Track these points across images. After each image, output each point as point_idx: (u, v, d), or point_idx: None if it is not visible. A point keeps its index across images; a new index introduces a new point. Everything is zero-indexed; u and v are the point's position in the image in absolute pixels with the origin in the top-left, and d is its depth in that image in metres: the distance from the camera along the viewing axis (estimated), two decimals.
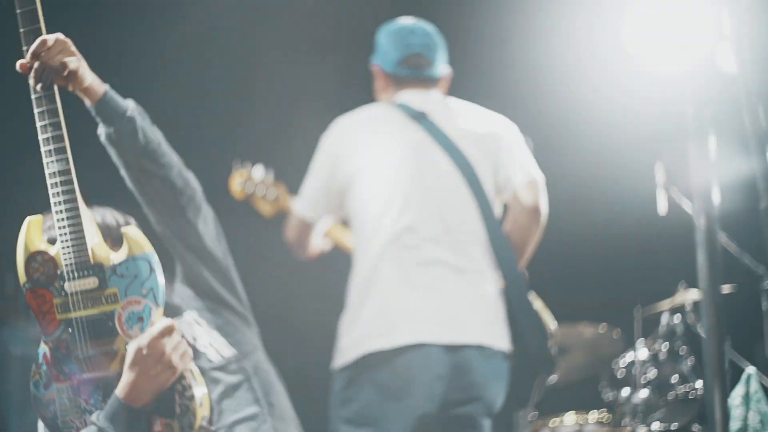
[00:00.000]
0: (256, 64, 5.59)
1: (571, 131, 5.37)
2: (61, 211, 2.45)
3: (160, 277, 2.48)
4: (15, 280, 5.38)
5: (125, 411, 2.41)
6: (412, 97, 3.69)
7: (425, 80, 3.73)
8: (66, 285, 2.48)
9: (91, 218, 2.53)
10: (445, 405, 3.34)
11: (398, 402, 3.30)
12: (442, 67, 3.79)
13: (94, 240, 2.49)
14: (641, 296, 4.69)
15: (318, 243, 3.86)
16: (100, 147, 2.72)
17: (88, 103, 2.58)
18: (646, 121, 5.64)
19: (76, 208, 2.46)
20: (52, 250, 2.50)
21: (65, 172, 2.45)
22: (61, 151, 2.45)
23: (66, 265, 2.47)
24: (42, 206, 2.66)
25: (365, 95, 3.94)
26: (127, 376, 2.41)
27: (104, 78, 2.60)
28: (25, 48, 2.44)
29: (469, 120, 3.67)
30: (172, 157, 2.76)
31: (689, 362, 4.61)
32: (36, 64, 2.42)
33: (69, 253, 2.47)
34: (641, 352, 4.66)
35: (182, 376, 2.47)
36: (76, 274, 2.48)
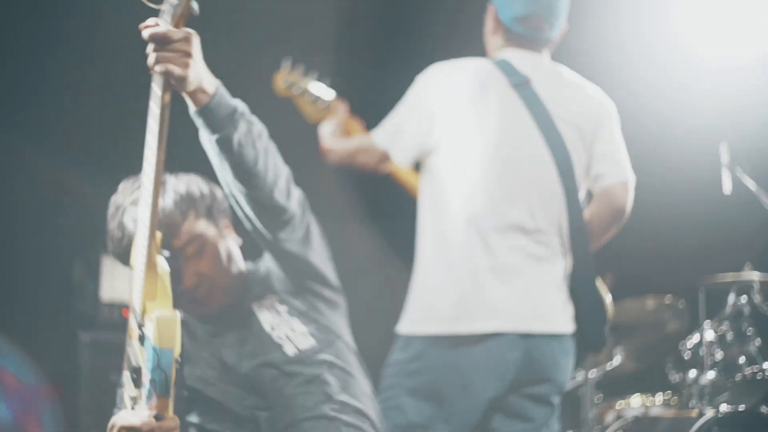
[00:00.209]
0: None
1: (639, 112, 5.32)
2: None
3: (170, 374, 2.30)
4: (82, 268, 5.47)
5: None
6: (520, 58, 3.55)
7: (539, 42, 3.58)
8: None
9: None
10: (515, 385, 3.34)
11: (469, 383, 3.30)
12: (559, 28, 3.63)
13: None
14: (706, 277, 4.65)
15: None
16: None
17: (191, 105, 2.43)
18: (712, 102, 5.61)
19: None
20: None
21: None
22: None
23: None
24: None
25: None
26: None
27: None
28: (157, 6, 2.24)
29: (572, 96, 3.56)
30: (267, 176, 2.58)
31: (756, 343, 4.56)
32: (150, 49, 2.25)
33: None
34: (707, 334, 4.62)
35: None
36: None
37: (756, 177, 4.49)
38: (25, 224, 5.17)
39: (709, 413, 4.19)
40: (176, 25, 2.23)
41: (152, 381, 2.29)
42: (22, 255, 5.17)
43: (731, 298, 4.68)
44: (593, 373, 5.08)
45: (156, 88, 2.26)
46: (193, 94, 2.36)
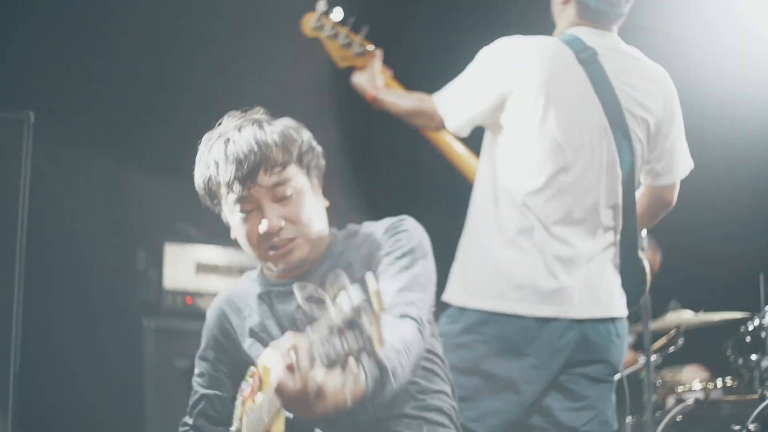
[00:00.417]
0: None
1: (700, 99, 5.30)
2: None
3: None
4: (146, 257, 5.55)
5: None
6: (591, 36, 3.47)
7: (611, 18, 3.49)
8: None
9: None
10: (570, 365, 3.34)
11: (520, 362, 3.30)
12: (631, 2, 3.52)
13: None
14: (766, 262, 4.63)
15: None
16: None
17: None
18: None
19: None
20: None
21: None
22: None
23: None
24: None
25: None
26: None
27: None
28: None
29: (640, 82, 3.48)
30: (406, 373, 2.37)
31: None
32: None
33: None
34: None
35: None
36: None
37: None
38: (89, 216, 5.24)
39: None
40: None
41: None
42: (86, 246, 5.25)
43: None
44: (655, 358, 5.07)
45: None
46: None
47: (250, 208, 2.58)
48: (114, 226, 5.38)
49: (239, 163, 2.54)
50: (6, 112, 3.94)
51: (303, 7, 4.00)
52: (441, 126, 3.56)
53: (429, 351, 2.70)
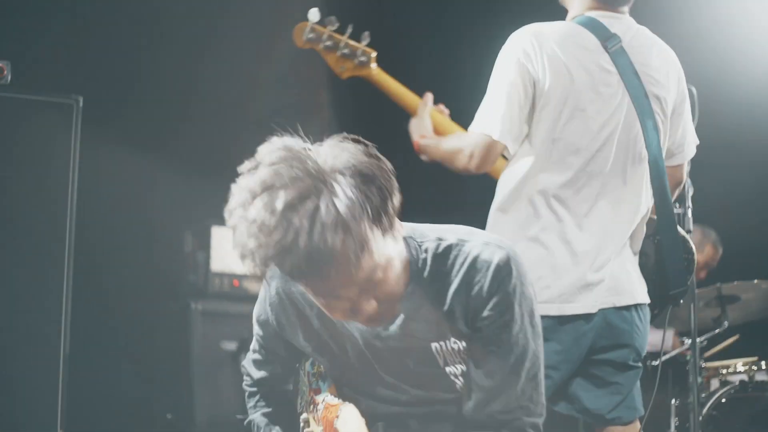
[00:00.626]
0: None
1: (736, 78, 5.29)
2: None
3: None
4: (193, 240, 5.60)
5: None
6: (607, 18, 3.42)
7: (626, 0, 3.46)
8: None
9: None
10: (593, 351, 3.34)
11: (549, 351, 3.29)
12: None
13: None
14: None
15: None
16: None
17: None
18: None
19: None
20: None
21: None
22: None
23: None
24: None
25: None
26: None
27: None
28: None
29: (657, 63, 3.44)
30: None
31: None
32: None
33: None
34: None
35: None
36: None
37: None
38: (138, 201, 5.30)
39: None
40: None
41: None
42: (134, 228, 5.31)
43: None
44: (699, 341, 5.06)
45: None
46: None
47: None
48: (162, 210, 5.43)
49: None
50: (56, 96, 4.00)
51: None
52: (499, 147, 3.32)
53: None
